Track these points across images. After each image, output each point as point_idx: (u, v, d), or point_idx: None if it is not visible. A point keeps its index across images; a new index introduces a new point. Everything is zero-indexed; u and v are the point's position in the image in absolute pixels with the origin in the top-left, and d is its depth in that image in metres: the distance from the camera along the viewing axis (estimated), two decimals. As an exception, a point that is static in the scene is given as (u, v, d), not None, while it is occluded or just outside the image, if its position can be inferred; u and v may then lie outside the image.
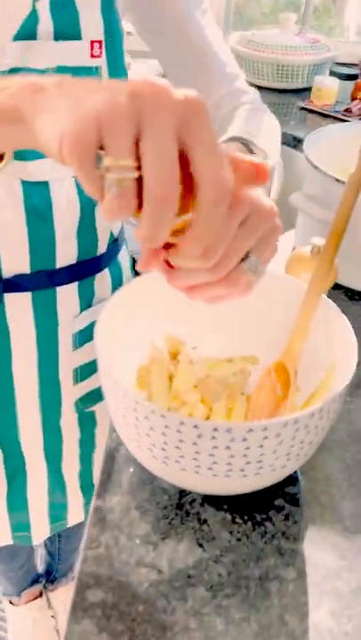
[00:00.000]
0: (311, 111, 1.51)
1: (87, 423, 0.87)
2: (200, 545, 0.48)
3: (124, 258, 0.85)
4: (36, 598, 1.26)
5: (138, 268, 0.37)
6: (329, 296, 0.81)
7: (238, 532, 0.49)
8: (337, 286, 0.80)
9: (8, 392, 0.78)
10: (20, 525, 0.92)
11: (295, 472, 0.54)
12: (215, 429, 0.41)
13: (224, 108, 0.67)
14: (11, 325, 0.73)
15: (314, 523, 0.50)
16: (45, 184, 0.65)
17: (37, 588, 1.27)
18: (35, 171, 0.63)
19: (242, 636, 0.43)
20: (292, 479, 0.54)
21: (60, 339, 0.78)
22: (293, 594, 0.45)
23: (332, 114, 1.48)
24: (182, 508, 0.51)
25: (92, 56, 0.61)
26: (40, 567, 1.31)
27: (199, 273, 0.36)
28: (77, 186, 0.68)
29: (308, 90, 1.58)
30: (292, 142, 1.37)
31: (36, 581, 1.27)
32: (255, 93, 0.71)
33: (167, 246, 0.34)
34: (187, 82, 0.69)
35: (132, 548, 0.48)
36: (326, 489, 0.53)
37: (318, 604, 0.45)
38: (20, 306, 0.72)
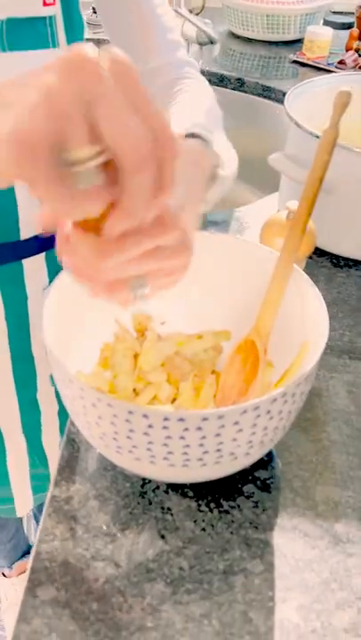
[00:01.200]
0: (303, 64, 1.43)
1: None
2: (162, 536, 0.45)
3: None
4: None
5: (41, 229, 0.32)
6: (313, 263, 0.77)
7: (203, 522, 0.46)
8: (322, 253, 0.76)
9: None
10: (3, 499, 0.90)
11: (269, 454, 0.51)
12: (166, 419, 0.37)
13: (162, 77, 0.62)
14: None
15: (285, 510, 0.47)
16: None
17: (29, 559, 1.27)
18: None
19: (202, 635, 0.40)
20: (263, 462, 0.50)
21: (31, 312, 0.74)
22: (259, 588, 0.42)
23: (325, 67, 1.40)
24: (145, 496, 0.48)
25: (45, 4, 0.56)
26: (31, 538, 1.30)
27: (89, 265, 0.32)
28: None
29: (300, 41, 1.49)
30: (282, 99, 1.30)
31: (27, 553, 1.27)
32: (195, 67, 0.66)
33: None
34: (126, 46, 0.63)
35: (88, 541, 0.45)
36: (300, 473, 0.50)
37: (285, 598, 0.42)
38: None
